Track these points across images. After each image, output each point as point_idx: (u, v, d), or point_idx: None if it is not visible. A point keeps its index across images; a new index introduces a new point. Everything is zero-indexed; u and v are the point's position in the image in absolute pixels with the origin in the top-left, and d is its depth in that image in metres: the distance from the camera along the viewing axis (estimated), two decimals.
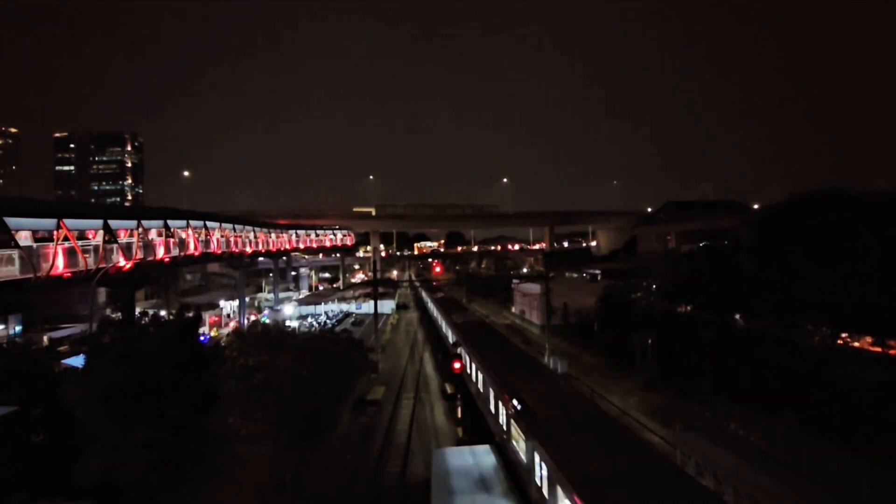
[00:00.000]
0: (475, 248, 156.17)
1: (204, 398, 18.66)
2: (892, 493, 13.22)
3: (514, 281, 73.17)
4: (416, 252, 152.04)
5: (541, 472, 13.19)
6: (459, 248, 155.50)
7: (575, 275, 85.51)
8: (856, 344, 32.85)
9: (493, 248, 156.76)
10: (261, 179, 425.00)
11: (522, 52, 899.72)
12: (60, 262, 23.45)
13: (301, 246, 70.67)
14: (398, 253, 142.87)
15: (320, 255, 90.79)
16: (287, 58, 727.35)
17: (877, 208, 31.75)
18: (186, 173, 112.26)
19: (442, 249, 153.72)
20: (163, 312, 37.02)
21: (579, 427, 14.43)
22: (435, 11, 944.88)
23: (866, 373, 25.61)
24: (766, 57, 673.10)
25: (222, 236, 43.41)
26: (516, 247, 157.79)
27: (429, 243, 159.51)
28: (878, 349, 31.30)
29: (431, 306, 57.54)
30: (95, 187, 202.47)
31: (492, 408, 19.69)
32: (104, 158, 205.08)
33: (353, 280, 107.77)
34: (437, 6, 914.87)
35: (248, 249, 50.51)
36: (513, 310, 66.85)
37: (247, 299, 55.79)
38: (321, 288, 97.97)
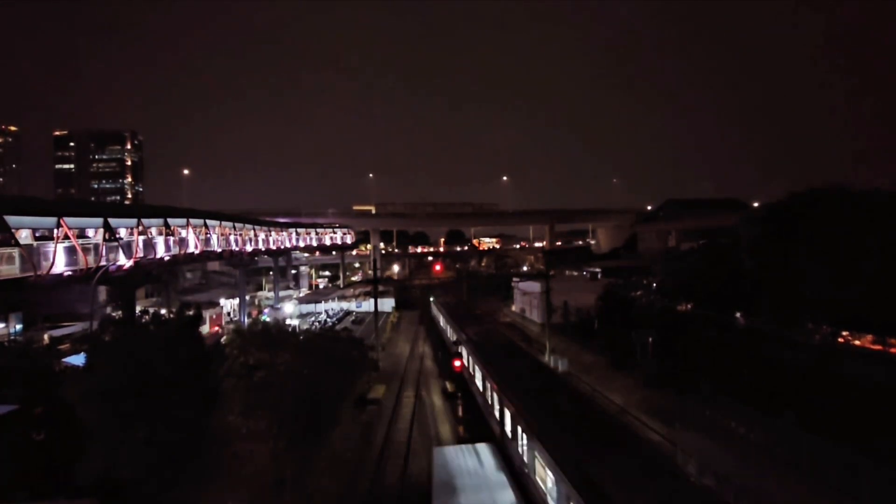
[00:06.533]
0: (492, 246, 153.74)
1: (204, 397, 18.69)
2: (892, 492, 13.23)
3: (514, 279, 73.19)
4: (477, 247, 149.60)
5: (541, 470, 13.18)
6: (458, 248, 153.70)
7: (575, 273, 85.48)
8: (857, 342, 32.81)
9: (514, 245, 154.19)
10: (261, 178, 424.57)
11: (523, 49, 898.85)
12: (61, 260, 23.42)
13: (301, 244, 70.64)
14: (413, 250, 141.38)
15: (320, 253, 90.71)
16: (287, 57, 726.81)
17: (878, 206, 31.66)
18: (186, 171, 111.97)
19: (498, 246, 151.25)
20: (163, 311, 37.08)
21: (581, 427, 14.44)
22: (436, 10, 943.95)
23: (867, 371, 25.62)
24: (766, 56, 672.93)
25: (222, 234, 43.37)
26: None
27: (487, 239, 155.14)
28: (879, 347, 31.29)
29: (431, 304, 57.77)
30: (95, 185, 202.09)
31: (493, 406, 19.69)
32: (104, 157, 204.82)
33: (353, 279, 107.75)
34: (439, 4, 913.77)
35: (249, 248, 50.50)
36: (513, 308, 66.86)
37: (247, 297, 55.79)
38: (321, 286, 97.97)
